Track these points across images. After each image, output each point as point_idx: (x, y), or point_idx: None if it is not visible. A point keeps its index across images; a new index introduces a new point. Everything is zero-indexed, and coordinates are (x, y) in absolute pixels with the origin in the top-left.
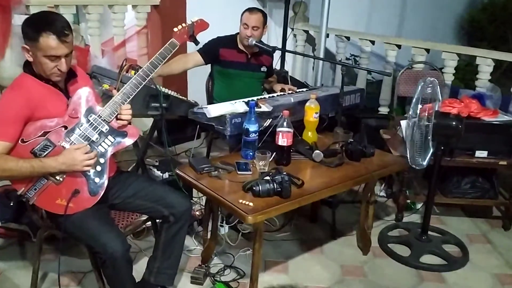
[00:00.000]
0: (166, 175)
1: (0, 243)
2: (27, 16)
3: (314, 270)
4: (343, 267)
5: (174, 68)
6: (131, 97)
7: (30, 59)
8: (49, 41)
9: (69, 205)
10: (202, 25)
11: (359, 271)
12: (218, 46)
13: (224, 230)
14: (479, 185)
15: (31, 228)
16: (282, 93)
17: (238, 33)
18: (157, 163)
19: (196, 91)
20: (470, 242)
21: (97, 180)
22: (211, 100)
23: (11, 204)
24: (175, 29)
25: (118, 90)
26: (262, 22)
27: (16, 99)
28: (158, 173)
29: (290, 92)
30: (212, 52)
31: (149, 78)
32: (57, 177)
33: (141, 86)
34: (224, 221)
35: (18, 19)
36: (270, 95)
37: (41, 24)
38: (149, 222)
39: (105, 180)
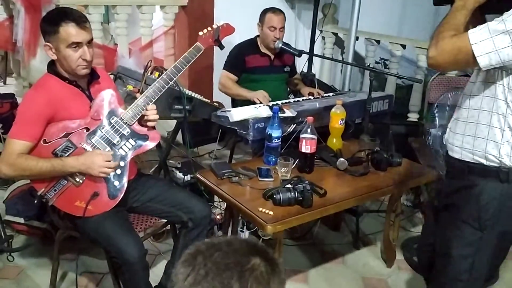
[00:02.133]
0: (188, 177)
1: (22, 241)
2: None
3: (335, 282)
4: (365, 280)
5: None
6: (154, 100)
7: (54, 57)
8: (69, 28)
9: (88, 208)
10: (228, 29)
11: (382, 285)
12: (242, 55)
13: (245, 235)
14: None
15: (53, 227)
16: (310, 97)
17: (257, 36)
18: (179, 165)
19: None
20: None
21: (116, 183)
22: (235, 103)
23: (35, 202)
24: (201, 33)
25: (141, 92)
26: (285, 22)
27: (38, 99)
28: (180, 175)
29: (318, 96)
30: (240, 64)
31: (172, 82)
32: (77, 179)
33: (164, 90)
34: (245, 227)
35: None
36: (295, 99)
37: (58, 16)
38: (169, 226)
39: (124, 183)
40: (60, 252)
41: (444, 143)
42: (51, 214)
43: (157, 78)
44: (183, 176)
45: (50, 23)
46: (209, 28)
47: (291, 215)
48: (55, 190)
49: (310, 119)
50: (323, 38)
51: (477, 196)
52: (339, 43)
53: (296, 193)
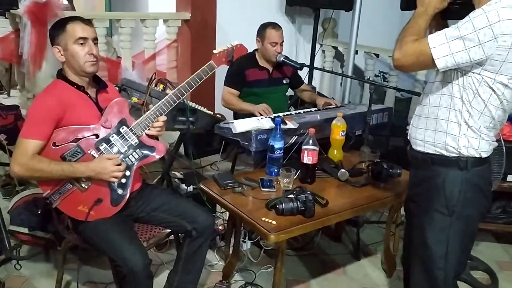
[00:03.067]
0: (190, 188)
1: (26, 251)
2: None
3: None
4: None
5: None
6: (164, 113)
7: (63, 59)
8: (75, 25)
9: (90, 213)
10: (242, 50)
11: None
12: (242, 70)
13: (246, 246)
14: (510, 210)
15: (57, 237)
16: (312, 109)
17: (256, 50)
18: (182, 176)
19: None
20: (500, 269)
21: (120, 191)
22: (237, 115)
23: (39, 212)
24: (215, 51)
25: (146, 104)
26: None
27: (48, 100)
28: (183, 186)
29: (334, 106)
30: (240, 79)
31: (183, 97)
32: (83, 185)
33: (175, 104)
34: (247, 237)
35: None
36: (297, 111)
37: (64, 19)
38: (172, 235)
39: (127, 192)
40: (64, 262)
41: (408, 138)
42: (57, 223)
43: (161, 90)
44: (186, 187)
45: (57, 26)
46: (224, 48)
47: (294, 224)
48: (60, 193)
49: (312, 130)
50: (323, 51)
51: (441, 184)
52: (339, 56)
53: (299, 203)
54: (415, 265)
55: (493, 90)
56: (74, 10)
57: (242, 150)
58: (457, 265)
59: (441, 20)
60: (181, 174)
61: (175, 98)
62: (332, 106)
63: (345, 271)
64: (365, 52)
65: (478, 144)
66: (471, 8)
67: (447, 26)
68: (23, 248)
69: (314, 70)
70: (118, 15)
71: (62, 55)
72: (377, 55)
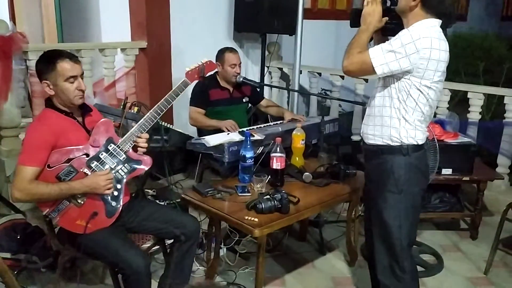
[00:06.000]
0: (163, 203)
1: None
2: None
3: (310, 283)
4: (334, 279)
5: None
6: (147, 129)
7: (52, 93)
8: (65, 64)
9: (88, 225)
10: (211, 66)
11: (349, 281)
12: (206, 90)
13: (223, 251)
14: (446, 200)
15: (40, 258)
16: (273, 123)
17: (216, 73)
18: (155, 193)
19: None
20: (443, 251)
21: (113, 203)
22: (201, 133)
23: (18, 237)
24: (187, 69)
25: (122, 126)
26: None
27: (42, 128)
28: (157, 202)
29: (301, 121)
30: (204, 99)
31: (162, 113)
32: (79, 200)
33: (156, 120)
34: (222, 243)
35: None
36: (259, 125)
37: (53, 56)
38: (154, 248)
39: (120, 204)
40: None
41: (361, 135)
42: (52, 239)
43: (136, 112)
44: (162, 202)
45: (47, 62)
46: (195, 65)
47: (273, 220)
48: (58, 210)
49: (278, 139)
50: (270, 73)
51: (390, 169)
52: (284, 77)
53: (276, 202)
54: (376, 240)
55: (420, 91)
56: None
57: (208, 166)
58: (409, 234)
59: (382, 36)
60: (154, 191)
61: (155, 115)
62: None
63: (314, 265)
64: (308, 71)
65: (414, 134)
66: (403, 27)
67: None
68: None
69: (263, 89)
70: (79, 46)
71: (51, 89)
72: (320, 74)
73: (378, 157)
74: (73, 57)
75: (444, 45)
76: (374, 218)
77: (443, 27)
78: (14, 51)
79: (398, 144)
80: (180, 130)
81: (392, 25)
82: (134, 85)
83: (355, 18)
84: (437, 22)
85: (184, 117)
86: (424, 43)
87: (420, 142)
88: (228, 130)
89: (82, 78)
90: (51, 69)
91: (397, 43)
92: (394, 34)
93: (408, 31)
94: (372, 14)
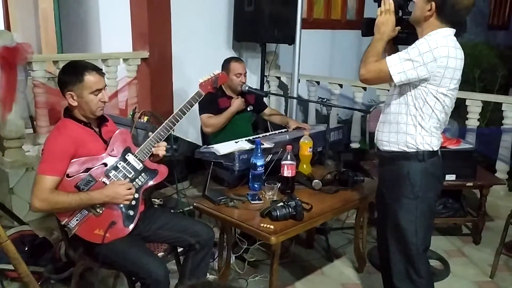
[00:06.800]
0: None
1: (17, 287)
2: None
3: None
4: (344, 285)
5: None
6: (163, 139)
7: (75, 104)
8: (92, 77)
9: (106, 235)
10: (223, 77)
11: (359, 287)
12: (215, 98)
13: (232, 260)
14: (450, 206)
15: (50, 271)
16: (281, 130)
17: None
18: (161, 202)
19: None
20: (449, 257)
21: (131, 213)
22: (206, 142)
23: (26, 249)
24: (200, 80)
25: (132, 136)
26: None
27: (62, 138)
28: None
29: (306, 129)
30: (214, 106)
31: (178, 123)
32: (98, 210)
33: (172, 129)
34: (231, 251)
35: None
36: (265, 134)
37: (79, 68)
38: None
39: (137, 213)
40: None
41: (375, 142)
42: (67, 249)
43: (146, 121)
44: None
45: (73, 74)
46: (208, 76)
47: (288, 227)
48: (77, 220)
49: (289, 147)
50: (268, 82)
51: (407, 175)
52: (282, 86)
53: (290, 209)
54: (391, 245)
55: (437, 98)
56: None
57: (214, 174)
58: (424, 239)
59: (393, 45)
60: (160, 200)
61: (170, 124)
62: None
63: (322, 272)
64: (307, 80)
65: (430, 140)
66: (415, 36)
67: (397, 50)
68: (13, 286)
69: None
70: (82, 56)
71: (74, 100)
72: (318, 82)
73: (393, 163)
74: (98, 70)
75: (460, 54)
76: (390, 224)
77: (455, 35)
78: (19, 62)
79: (414, 150)
80: (188, 139)
81: (404, 34)
82: (136, 95)
83: (367, 28)
84: (451, 31)
85: (185, 127)
86: (441, 52)
87: (435, 148)
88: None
89: (104, 90)
90: (78, 81)
91: (414, 52)
92: (405, 43)
93: (426, 40)
94: (386, 23)
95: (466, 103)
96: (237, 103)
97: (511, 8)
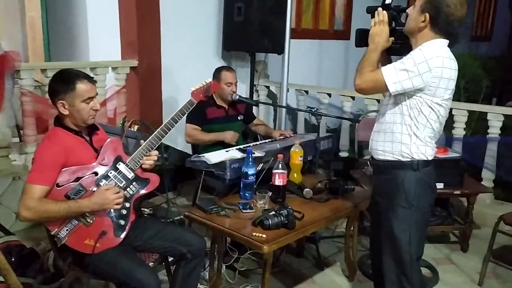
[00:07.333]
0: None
1: None
2: None
3: None
4: None
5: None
6: (154, 148)
7: (66, 112)
8: (84, 86)
9: (96, 245)
10: (215, 86)
11: None
12: (203, 108)
13: (223, 269)
14: (438, 214)
15: (39, 282)
16: (282, 137)
17: None
18: (151, 211)
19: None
20: (437, 264)
21: (122, 222)
22: (196, 151)
23: (13, 259)
24: (192, 88)
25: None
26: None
27: (52, 148)
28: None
29: (290, 136)
30: (201, 116)
31: (170, 131)
32: (88, 219)
33: (163, 138)
34: (222, 261)
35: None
36: (256, 142)
37: (71, 76)
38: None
39: (128, 222)
40: None
41: (370, 151)
42: (57, 259)
43: (136, 130)
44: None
45: (65, 83)
46: (200, 84)
47: (280, 236)
48: (67, 230)
49: (280, 156)
50: (257, 91)
51: (401, 184)
52: (271, 95)
53: (282, 217)
54: (384, 253)
55: (432, 108)
56: None
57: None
58: (418, 248)
59: (387, 55)
60: (150, 209)
61: (162, 133)
62: (289, 136)
63: (313, 280)
64: (296, 89)
65: (425, 150)
66: (408, 47)
67: (391, 60)
68: None
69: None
70: (70, 64)
71: (66, 109)
72: (307, 92)
73: (388, 172)
74: (90, 78)
75: (454, 64)
76: (383, 232)
77: (448, 46)
78: (7, 70)
79: (409, 159)
80: (179, 148)
81: (397, 45)
82: (124, 103)
83: (360, 38)
84: (445, 42)
85: (174, 135)
86: (436, 62)
87: (430, 158)
88: (229, 142)
89: (96, 98)
90: (70, 89)
91: (410, 62)
92: (399, 53)
93: (421, 50)
94: (380, 34)
95: (453, 113)
96: (230, 136)
97: (494, 20)
